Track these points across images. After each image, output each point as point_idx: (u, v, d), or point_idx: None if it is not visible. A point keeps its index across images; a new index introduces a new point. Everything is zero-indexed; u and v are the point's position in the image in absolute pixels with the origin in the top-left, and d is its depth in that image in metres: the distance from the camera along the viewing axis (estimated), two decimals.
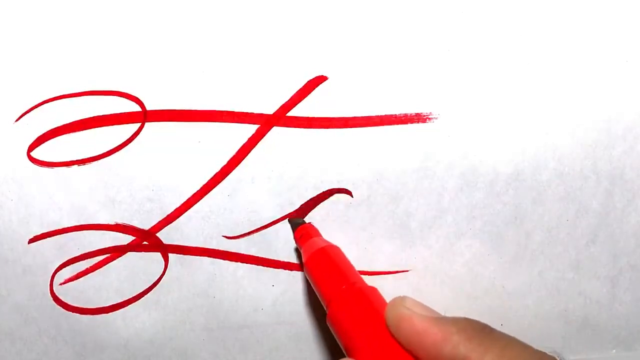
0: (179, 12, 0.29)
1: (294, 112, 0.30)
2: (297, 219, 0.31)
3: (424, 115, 0.30)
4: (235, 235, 0.31)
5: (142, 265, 0.31)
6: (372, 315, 0.23)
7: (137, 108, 0.30)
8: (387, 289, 0.32)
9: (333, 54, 0.30)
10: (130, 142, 0.30)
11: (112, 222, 0.31)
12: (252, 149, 0.30)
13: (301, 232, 0.30)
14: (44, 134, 0.30)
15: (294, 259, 0.31)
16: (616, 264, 0.32)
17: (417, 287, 0.32)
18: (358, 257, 0.31)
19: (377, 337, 0.23)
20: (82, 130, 0.30)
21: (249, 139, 0.30)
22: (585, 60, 0.30)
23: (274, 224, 0.31)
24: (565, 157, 0.31)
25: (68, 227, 0.30)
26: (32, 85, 0.29)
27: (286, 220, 0.31)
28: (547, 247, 0.32)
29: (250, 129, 0.30)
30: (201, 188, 0.30)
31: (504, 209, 0.31)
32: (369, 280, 0.32)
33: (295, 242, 0.30)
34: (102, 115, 0.30)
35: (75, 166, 0.30)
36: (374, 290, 0.25)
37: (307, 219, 0.31)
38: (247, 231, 0.31)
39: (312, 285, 0.27)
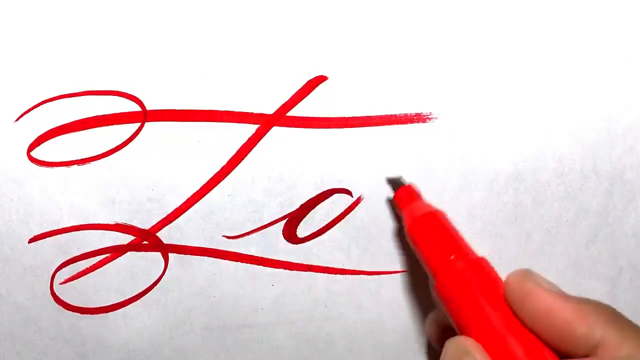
0: (179, 12, 0.29)
1: (293, 112, 0.30)
2: (397, 178, 0.28)
3: (424, 115, 0.30)
4: (235, 235, 0.31)
5: (142, 265, 0.31)
6: (488, 289, 0.22)
7: (137, 108, 0.30)
8: (387, 289, 0.32)
9: (333, 54, 0.30)
10: (130, 142, 0.30)
11: (112, 222, 0.31)
12: (252, 149, 0.30)
13: (402, 193, 0.28)
14: (43, 134, 0.30)
15: (294, 259, 0.31)
16: (616, 264, 0.32)
17: (417, 286, 0.32)
18: (358, 257, 0.31)
19: (496, 314, 0.21)
20: (82, 130, 0.30)
21: (249, 139, 0.30)
22: (585, 60, 0.30)
23: (274, 223, 0.31)
24: (565, 157, 0.31)
25: (68, 227, 0.31)
26: (32, 85, 0.29)
27: (286, 219, 0.31)
28: (547, 247, 0.32)
29: (250, 128, 0.30)
30: (201, 188, 0.30)
31: (504, 209, 0.31)
32: (369, 280, 0.32)
33: (395, 205, 0.28)
34: (102, 115, 0.30)
35: (75, 166, 0.30)
36: (485, 260, 0.23)
37: (306, 219, 0.31)
38: (247, 231, 0.31)
39: (415, 252, 0.26)
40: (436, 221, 0.26)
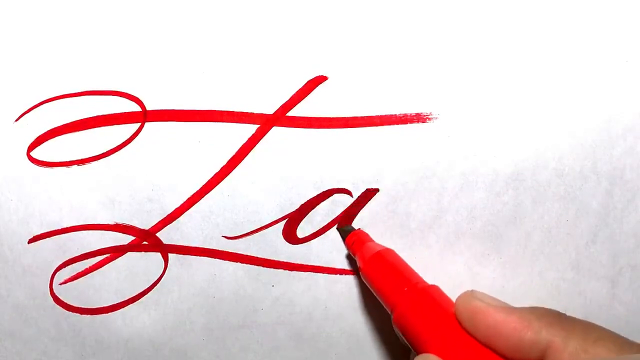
0: (179, 12, 0.29)
1: (293, 112, 0.30)
2: (346, 226, 0.31)
3: (424, 116, 0.30)
4: (235, 235, 0.31)
5: (142, 265, 0.31)
6: (441, 312, 0.24)
7: (137, 108, 0.30)
8: None
9: (333, 54, 0.30)
10: (130, 142, 0.30)
11: (111, 222, 0.31)
12: (252, 149, 0.30)
13: (353, 238, 0.30)
14: (43, 134, 0.30)
15: (293, 260, 0.31)
16: (616, 264, 0.32)
17: None
18: None
19: (451, 333, 0.23)
20: (82, 130, 0.30)
21: (249, 139, 0.30)
22: (585, 60, 0.30)
23: (274, 224, 0.31)
24: (565, 157, 0.31)
25: (68, 227, 0.31)
26: (32, 85, 0.29)
27: (286, 219, 0.31)
28: (547, 247, 0.32)
29: (250, 129, 0.30)
30: (201, 188, 0.30)
31: (504, 209, 0.31)
32: None
33: (348, 249, 0.31)
34: (102, 115, 0.30)
35: (75, 166, 0.30)
36: (436, 288, 0.25)
37: (306, 219, 0.31)
38: (247, 231, 0.31)
39: (372, 290, 0.28)
40: (385, 259, 0.28)
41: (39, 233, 0.30)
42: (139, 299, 0.32)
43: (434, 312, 0.24)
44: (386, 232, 0.31)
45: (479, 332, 0.22)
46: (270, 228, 0.31)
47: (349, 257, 0.31)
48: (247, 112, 0.30)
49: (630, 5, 0.30)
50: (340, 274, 0.32)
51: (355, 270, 0.32)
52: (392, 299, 0.26)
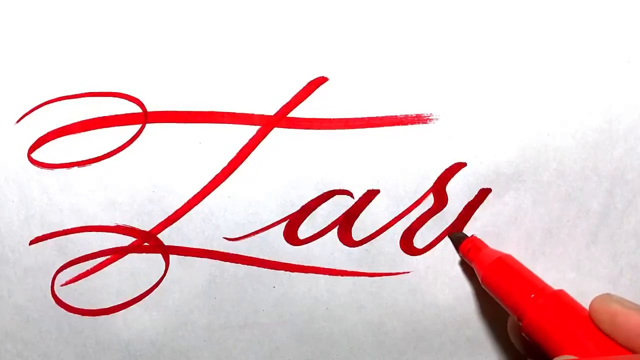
0: (180, 13, 0.29)
1: (294, 114, 0.30)
2: (457, 233, 0.31)
3: (425, 117, 0.30)
4: (236, 236, 0.31)
5: (143, 267, 0.31)
6: (576, 316, 0.24)
7: (137, 109, 0.30)
8: (388, 290, 0.32)
9: (334, 55, 0.30)
10: (130, 143, 0.30)
11: (112, 224, 0.31)
12: (252, 150, 0.30)
13: (468, 245, 0.30)
14: (44, 136, 0.30)
15: (294, 260, 0.31)
16: (617, 264, 0.32)
17: (418, 288, 0.32)
18: (359, 259, 0.31)
19: (589, 336, 0.23)
20: (83, 131, 0.30)
21: (250, 140, 0.30)
22: (586, 60, 0.30)
23: (275, 225, 0.31)
24: (566, 158, 0.31)
25: (69, 229, 0.31)
26: (33, 87, 0.29)
27: (287, 221, 0.31)
28: (547, 247, 0.32)
29: (251, 130, 0.30)
30: (202, 189, 0.30)
31: (504, 209, 0.31)
32: (369, 281, 0.32)
33: (463, 256, 0.31)
34: (103, 117, 0.30)
35: (76, 167, 0.30)
36: (563, 292, 0.26)
37: (307, 220, 0.31)
38: (248, 232, 0.31)
39: (495, 297, 0.28)
40: (507, 265, 0.28)
41: (40, 234, 0.31)
42: (140, 300, 0.32)
43: (568, 317, 0.24)
44: (386, 233, 0.31)
45: (620, 334, 0.22)
46: (271, 229, 0.31)
47: (463, 264, 0.32)
48: (248, 114, 0.30)
49: (631, 5, 0.30)
50: (341, 275, 0.32)
51: (469, 275, 0.32)
52: (520, 306, 0.26)
